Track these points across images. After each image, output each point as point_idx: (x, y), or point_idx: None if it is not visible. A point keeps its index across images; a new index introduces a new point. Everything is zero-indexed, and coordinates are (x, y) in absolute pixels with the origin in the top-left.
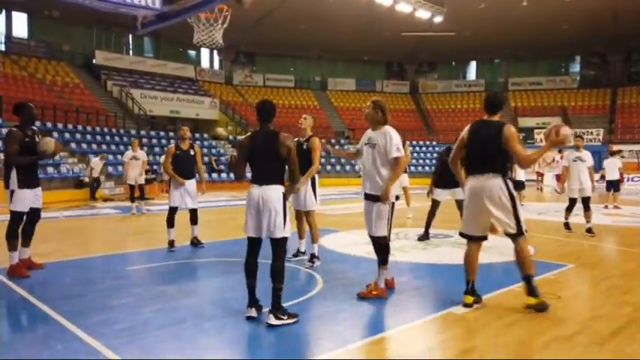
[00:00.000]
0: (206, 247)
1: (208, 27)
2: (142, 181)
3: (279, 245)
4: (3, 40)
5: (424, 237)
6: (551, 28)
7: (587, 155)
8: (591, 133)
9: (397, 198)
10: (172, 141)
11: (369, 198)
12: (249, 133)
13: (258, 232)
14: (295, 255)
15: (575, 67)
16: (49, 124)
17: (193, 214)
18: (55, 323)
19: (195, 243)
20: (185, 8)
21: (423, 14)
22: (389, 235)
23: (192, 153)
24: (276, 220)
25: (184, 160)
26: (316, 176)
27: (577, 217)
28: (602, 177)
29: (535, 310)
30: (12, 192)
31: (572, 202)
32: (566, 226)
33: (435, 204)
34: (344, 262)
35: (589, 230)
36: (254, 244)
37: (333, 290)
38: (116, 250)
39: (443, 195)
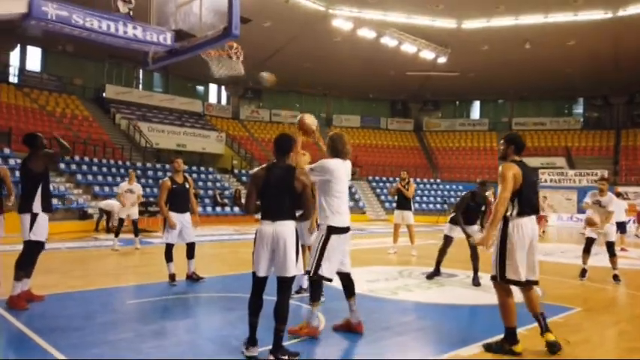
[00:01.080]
0: (207, 282)
1: (227, 59)
2: (136, 216)
3: (287, 284)
4: (16, 73)
5: (435, 274)
6: (555, 71)
7: (607, 200)
8: (596, 174)
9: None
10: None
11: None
12: (264, 165)
13: (269, 271)
14: (298, 292)
15: (579, 109)
16: None
17: (191, 248)
18: (51, 357)
19: (195, 278)
20: (196, 45)
21: (428, 55)
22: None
23: (187, 186)
24: (288, 258)
25: (181, 193)
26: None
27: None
28: None
29: (553, 348)
30: (34, 216)
31: (589, 241)
32: (583, 273)
33: (448, 241)
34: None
35: (615, 277)
36: (262, 282)
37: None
38: (117, 283)
39: (457, 232)
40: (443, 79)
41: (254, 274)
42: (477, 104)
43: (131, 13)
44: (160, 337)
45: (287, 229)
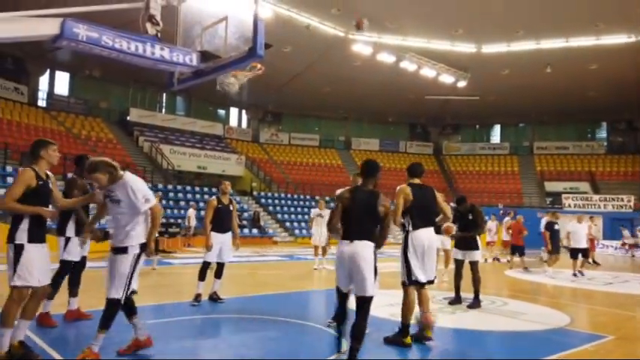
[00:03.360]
0: (226, 303)
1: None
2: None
3: (366, 303)
4: (45, 97)
5: (456, 300)
6: (577, 95)
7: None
8: (622, 200)
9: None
10: (198, 195)
11: None
12: (348, 188)
13: (349, 287)
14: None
15: (602, 133)
16: None
17: (220, 268)
18: None
19: (215, 298)
20: (220, 65)
21: (447, 79)
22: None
23: (231, 208)
24: (366, 278)
25: (225, 214)
26: None
27: (610, 285)
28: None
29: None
30: (68, 240)
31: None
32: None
33: (458, 264)
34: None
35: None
36: (345, 296)
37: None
38: (137, 302)
39: (460, 254)
40: (463, 103)
41: (337, 288)
42: (497, 128)
43: (159, 35)
44: (177, 357)
45: (366, 249)
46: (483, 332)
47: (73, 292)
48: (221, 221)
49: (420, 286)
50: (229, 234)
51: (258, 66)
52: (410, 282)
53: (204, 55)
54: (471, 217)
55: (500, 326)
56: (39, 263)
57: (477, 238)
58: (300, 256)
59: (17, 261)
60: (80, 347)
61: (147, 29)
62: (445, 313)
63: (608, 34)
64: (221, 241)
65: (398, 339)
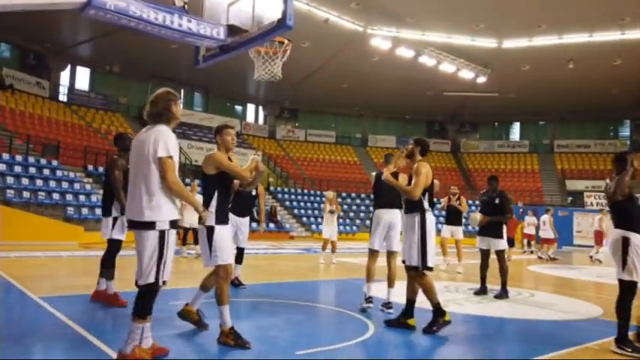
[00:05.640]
0: (248, 289)
1: (268, 60)
2: (197, 225)
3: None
4: (66, 92)
5: (482, 291)
6: (600, 92)
7: None
8: None
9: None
10: None
11: None
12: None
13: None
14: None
15: (625, 131)
16: (100, 169)
17: (240, 254)
18: (95, 347)
19: (237, 284)
20: (248, 40)
21: (467, 74)
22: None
23: (253, 193)
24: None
25: (245, 198)
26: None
27: None
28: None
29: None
30: (115, 219)
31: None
32: None
33: (483, 254)
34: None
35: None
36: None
37: (384, 335)
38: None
39: (485, 243)
40: (481, 100)
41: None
42: (516, 125)
43: (186, 7)
44: (204, 336)
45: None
46: (516, 320)
47: (107, 273)
48: (241, 204)
49: (430, 271)
50: (247, 219)
51: (286, 42)
52: (424, 267)
53: (231, 30)
54: (497, 201)
55: (532, 315)
56: (228, 242)
57: (503, 226)
58: (317, 249)
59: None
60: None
61: (174, 1)
62: (472, 302)
63: (633, 29)
64: (237, 224)
65: (402, 322)
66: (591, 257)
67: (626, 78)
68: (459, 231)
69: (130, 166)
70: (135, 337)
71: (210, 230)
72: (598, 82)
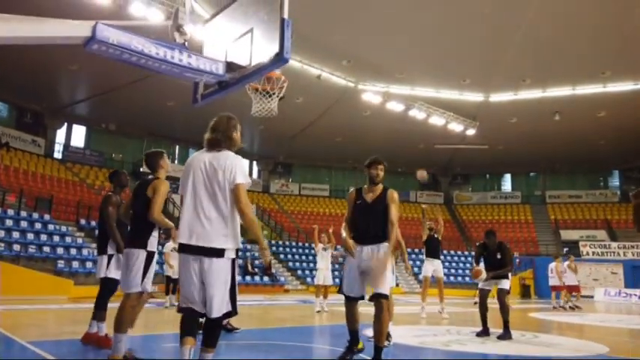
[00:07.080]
0: (244, 333)
1: (265, 96)
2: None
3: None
4: (61, 149)
5: (484, 333)
6: (587, 143)
7: None
8: None
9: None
10: None
11: None
12: None
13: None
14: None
15: (615, 181)
16: (93, 223)
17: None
18: None
19: (230, 328)
20: (246, 75)
21: (456, 127)
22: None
23: None
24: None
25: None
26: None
27: None
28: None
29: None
30: (110, 257)
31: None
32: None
33: (482, 293)
34: (405, 352)
35: None
36: None
37: None
38: (151, 331)
39: (485, 283)
40: (472, 152)
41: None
42: (507, 177)
43: (186, 44)
44: None
45: None
46: (523, 357)
47: (99, 315)
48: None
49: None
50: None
51: (282, 78)
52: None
53: (229, 66)
54: (499, 256)
55: (539, 353)
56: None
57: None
58: (313, 299)
59: (147, 268)
60: None
61: (175, 37)
62: (474, 342)
63: (614, 82)
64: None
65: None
66: (572, 307)
67: (611, 129)
68: (440, 267)
69: (186, 189)
70: None
71: (150, 256)
72: (585, 133)
